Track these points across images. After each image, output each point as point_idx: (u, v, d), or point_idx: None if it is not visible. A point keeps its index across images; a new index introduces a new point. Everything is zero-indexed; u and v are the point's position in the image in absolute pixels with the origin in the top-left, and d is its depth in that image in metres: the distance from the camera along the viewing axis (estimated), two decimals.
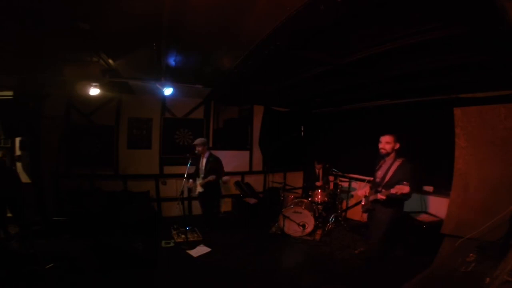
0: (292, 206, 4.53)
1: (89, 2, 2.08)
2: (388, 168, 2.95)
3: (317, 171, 5.36)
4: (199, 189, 4.38)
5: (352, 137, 5.69)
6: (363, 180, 5.19)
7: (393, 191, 2.66)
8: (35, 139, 4.53)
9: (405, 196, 2.70)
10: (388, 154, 2.98)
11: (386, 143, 2.98)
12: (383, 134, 3.04)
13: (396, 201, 2.82)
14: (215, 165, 4.38)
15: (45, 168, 4.62)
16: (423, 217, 3.93)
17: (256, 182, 6.36)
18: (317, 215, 4.69)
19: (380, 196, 2.88)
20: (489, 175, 3.33)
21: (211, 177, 4.25)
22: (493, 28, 1.77)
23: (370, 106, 5.37)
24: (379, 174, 3.06)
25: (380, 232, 2.95)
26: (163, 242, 4.02)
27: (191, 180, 4.45)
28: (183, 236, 4.18)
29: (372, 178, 3.28)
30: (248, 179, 6.30)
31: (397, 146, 2.96)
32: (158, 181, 5.47)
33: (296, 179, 6.82)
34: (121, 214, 4.39)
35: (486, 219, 2.92)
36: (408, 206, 4.46)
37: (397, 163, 2.90)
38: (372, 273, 3.12)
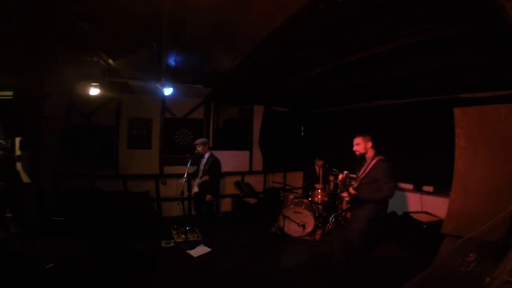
0: (292, 206, 4.53)
1: (89, 2, 2.08)
2: (366, 167, 3.01)
3: (317, 169, 5.34)
4: (195, 189, 4.40)
5: (352, 137, 5.68)
6: None
7: (351, 190, 2.93)
8: (35, 139, 4.53)
9: (354, 198, 2.91)
10: (362, 154, 3.03)
11: (356, 145, 3.06)
12: (363, 134, 3.09)
13: (370, 201, 2.88)
14: (212, 166, 4.37)
15: (45, 168, 4.62)
16: (423, 217, 3.93)
17: (256, 182, 6.36)
18: (317, 215, 4.69)
19: (343, 194, 3.11)
20: (489, 175, 3.33)
21: (208, 197, 4.30)
22: (493, 28, 1.77)
23: (370, 106, 5.37)
24: (360, 173, 3.11)
25: (356, 232, 2.93)
26: (163, 242, 4.02)
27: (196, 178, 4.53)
28: (183, 236, 4.18)
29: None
30: (248, 179, 6.29)
31: (369, 145, 2.99)
32: (158, 181, 5.46)
33: (296, 179, 6.82)
34: (121, 214, 4.39)
35: (486, 219, 2.92)
36: (408, 206, 4.49)
37: (373, 162, 2.93)
38: (372, 273, 3.12)
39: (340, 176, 3.25)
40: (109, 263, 3.19)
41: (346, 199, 3.13)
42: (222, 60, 3.37)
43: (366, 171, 2.96)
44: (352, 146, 3.13)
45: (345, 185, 3.25)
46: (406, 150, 4.44)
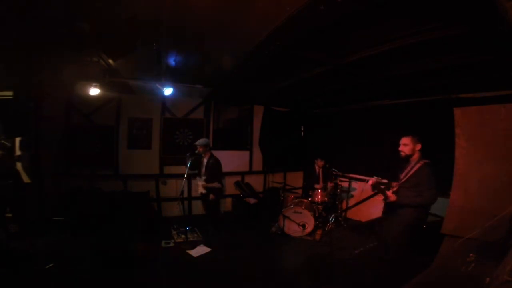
0: (292, 206, 4.53)
1: (89, 2, 2.08)
2: (409, 170, 2.88)
3: (317, 169, 5.34)
4: (201, 190, 4.38)
5: (352, 137, 5.69)
6: (363, 180, 5.19)
7: (388, 193, 2.79)
8: (35, 139, 4.53)
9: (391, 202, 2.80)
10: (408, 156, 2.88)
11: (403, 145, 2.90)
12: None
13: (409, 206, 2.77)
14: (214, 167, 4.36)
15: (45, 168, 4.62)
16: None
17: (256, 182, 6.36)
18: (317, 215, 4.70)
19: (381, 197, 2.95)
20: (489, 175, 3.32)
21: (211, 196, 4.25)
22: (493, 28, 1.77)
23: (370, 106, 5.37)
24: (402, 175, 2.96)
25: (393, 235, 2.91)
26: (163, 242, 4.02)
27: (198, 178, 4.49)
28: (183, 236, 4.18)
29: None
30: (248, 179, 6.29)
31: (418, 147, 2.85)
32: (158, 181, 5.46)
33: (296, 179, 6.82)
34: (121, 214, 4.39)
35: (486, 219, 2.91)
36: None
37: (417, 165, 2.80)
38: (372, 273, 3.12)
39: (370, 181, 3.03)
40: (109, 263, 3.19)
41: (385, 201, 2.97)
42: (222, 60, 3.37)
43: (408, 175, 2.83)
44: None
45: (380, 188, 3.02)
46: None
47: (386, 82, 3.74)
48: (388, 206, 2.99)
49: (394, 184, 3.03)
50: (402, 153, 2.90)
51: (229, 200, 6.00)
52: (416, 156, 2.87)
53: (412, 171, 2.83)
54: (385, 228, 3.05)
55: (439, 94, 4.04)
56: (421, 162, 2.81)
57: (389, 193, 2.89)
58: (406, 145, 2.89)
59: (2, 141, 4.16)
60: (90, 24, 2.36)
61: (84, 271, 3.06)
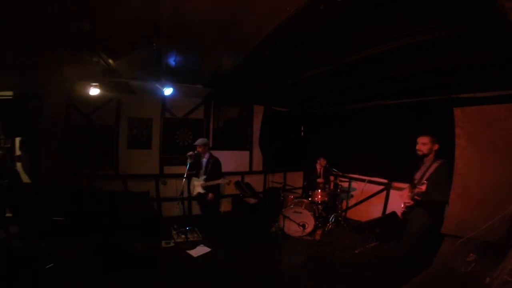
0: (292, 206, 4.53)
1: (89, 2, 2.08)
2: (426, 170, 2.87)
3: (318, 168, 5.34)
4: (198, 189, 4.38)
5: (352, 137, 5.69)
6: (363, 180, 5.19)
7: (416, 190, 2.75)
8: (35, 139, 4.53)
9: (425, 197, 2.70)
10: (425, 155, 2.90)
11: (422, 144, 2.90)
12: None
13: (430, 206, 2.77)
14: (214, 166, 4.37)
15: (45, 168, 4.62)
16: None
17: (256, 182, 6.35)
18: (317, 215, 4.70)
19: (406, 200, 2.90)
20: (489, 175, 3.33)
21: (210, 195, 4.27)
22: (493, 28, 1.77)
23: (370, 106, 5.37)
24: (417, 175, 2.96)
25: (412, 236, 2.92)
26: (163, 242, 4.02)
27: (194, 178, 4.51)
28: (183, 236, 4.18)
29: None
30: (248, 179, 6.29)
31: (436, 147, 2.87)
32: (158, 181, 5.46)
33: (296, 179, 6.82)
34: (121, 214, 4.38)
35: (486, 219, 2.91)
36: None
37: (435, 165, 2.81)
38: (372, 273, 3.12)
39: (405, 195, 2.99)
40: (109, 263, 3.19)
41: (408, 204, 2.92)
42: (222, 60, 3.37)
43: (427, 176, 2.81)
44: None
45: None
46: (405, 150, 4.45)
47: (386, 82, 3.74)
48: (410, 208, 2.97)
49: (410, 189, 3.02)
50: (420, 152, 2.91)
51: (229, 200, 6.00)
52: (431, 156, 2.89)
53: (430, 171, 2.83)
54: (409, 227, 3.04)
55: (439, 94, 4.04)
56: (439, 162, 2.82)
57: (415, 195, 2.86)
58: (424, 144, 2.89)
59: (2, 141, 4.16)
60: (90, 24, 2.36)
61: (84, 271, 3.06)
